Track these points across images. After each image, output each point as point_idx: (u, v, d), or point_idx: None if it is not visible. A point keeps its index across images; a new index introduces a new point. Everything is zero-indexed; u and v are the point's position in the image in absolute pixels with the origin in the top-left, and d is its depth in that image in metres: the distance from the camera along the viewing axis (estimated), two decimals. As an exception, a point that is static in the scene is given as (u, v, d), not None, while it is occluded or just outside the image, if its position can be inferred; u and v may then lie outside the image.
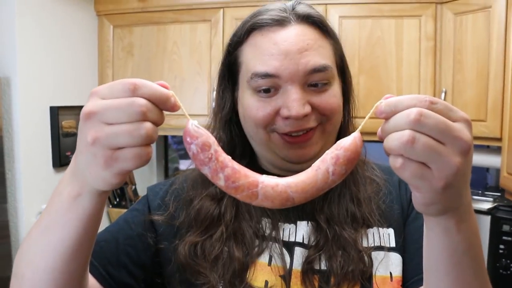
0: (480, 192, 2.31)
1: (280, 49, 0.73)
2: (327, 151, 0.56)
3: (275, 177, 0.57)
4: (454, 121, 0.48)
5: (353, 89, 0.85)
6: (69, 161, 2.17)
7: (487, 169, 2.61)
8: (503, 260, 1.95)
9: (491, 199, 2.20)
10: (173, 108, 0.53)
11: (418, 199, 0.51)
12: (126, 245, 0.80)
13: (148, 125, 0.50)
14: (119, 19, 2.61)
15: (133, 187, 2.85)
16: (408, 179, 0.49)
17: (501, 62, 1.93)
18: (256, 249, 0.77)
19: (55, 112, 2.29)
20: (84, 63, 2.56)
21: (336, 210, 0.79)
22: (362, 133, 0.64)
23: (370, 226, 0.79)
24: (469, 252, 0.56)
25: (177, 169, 3.30)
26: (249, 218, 0.79)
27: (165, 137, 3.16)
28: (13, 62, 2.07)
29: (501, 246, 1.96)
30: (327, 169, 0.54)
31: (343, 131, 0.82)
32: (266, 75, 0.73)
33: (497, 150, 2.04)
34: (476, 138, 2.06)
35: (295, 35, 0.74)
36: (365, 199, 0.81)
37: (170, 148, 3.27)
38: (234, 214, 0.79)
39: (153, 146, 3.04)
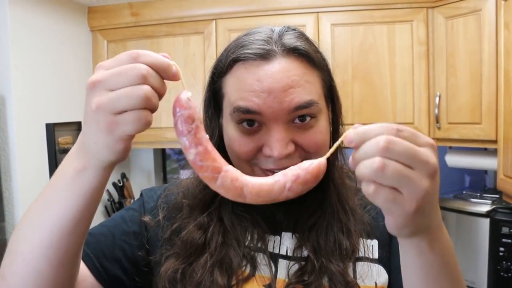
0: (478, 194, 2.31)
1: (264, 86, 0.69)
2: (292, 166, 0.59)
3: (239, 172, 0.60)
4: (420, 146, 0.51)
5: (343, 116, 0.83)
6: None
7: (485, 171, 2.61)
8: (504, 262, 1.94)
9: (490, 201, 2.19)
10: (174, 77, 0.56)
11: (391, 223, 0.53)
12: (122, 241, 0.81)
13: (146, 87, 0.52)
14: (112, 34, 2.63)
15: (132, 201, 2.85)
16: (381, 204, 0.51)
17: (493, 64, 1.94)
18: (244, 272, 0.77)
19: (51, 129, 2.29)
20: (79, 79, 2.57)
21: (323, 242, 0.78)
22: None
23: (356, 253, 0.80)
24: (445, 268, 0.58)
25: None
26: (236, 245, 0.78)
27: (163, 150, 3.16)
28: (8, 80, 2.08)
29: (501, 249, 1.96)
30: (284, 184, 0.58)
31: (332, 159, 0.81)
32: (248, 111, 0.71)
33: (494, 152, 2.04)
34: (471, 141, 2.07)
35: (279, 71, 0.70)
36: (355, 229, 0.80)
37: (170, 159, 3.27)
38: (220, 241, 0.78)
39: (151, 158, 3.05)
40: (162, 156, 3.18)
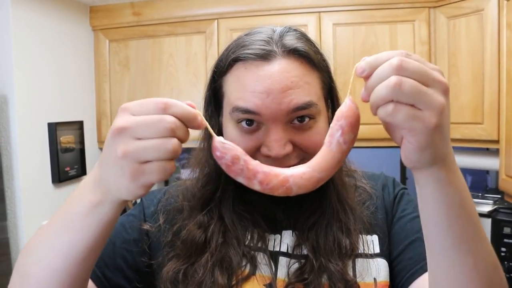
0: (480, 194, 2.30)
1: (263, 87, 0.69)
2: (331, 125, 0.60)
3: (299, 165, 0.62)
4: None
5: None
6: (68, 177, 2.18)
7: (487, 172, 2.61)
8: (506, 263, 1.94)
9: (491, 201, 2.19)
10: (199, 126, 0.57)
11: (413, 144, 0.52)
12: (123, 249, 0.81)
13: (175, 140, 0.53)
14: (114, 33, 2.63)
15: (133, 200, 2.85)
16: (402, 122, 0.50)
17: (496, 64, 1.93)
18: (244, 271, 0.77)
19: (53, 128, 2.30)
20: (81, 78, 2.58)
21: (323, 241, 0.78)
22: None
23: (357, 254, 0.80)
24: (465, 205, 0.58)
25: (178, 179, 3.28)
26: (236, 244, 0.78)
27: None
28: (10, 80, 2.09)
29: (503, 249, 1.95)
30: (338, 141, 0.59)
31: None
32: (247, 111, 0.71)
33: (496, 153, 2.04)
34: (473, 141, 2.06)
35: (278, 72, 0.70)
36: (354, 229, 0.80)
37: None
38: (221, 241, 0.78)
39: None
40: (163, 155, 3.17)
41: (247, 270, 0.77)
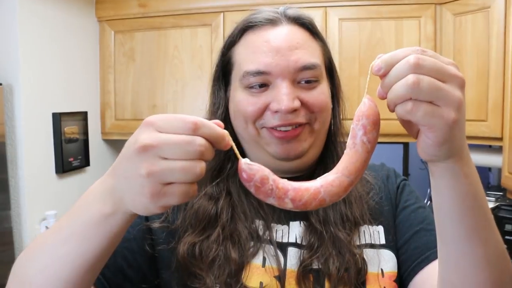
0: (482, 191, 2.31)
1: (272, 46, 0.76)
2: (352, 126, 0.59)
3: (324, 175, 0.60)
4: (444, 63, 0.52)
5: (342, 91, 0.87)
6: (72, 167, 2.17)
7: (489, 169, 2.61)
8: (507, 260, 1.95)
9: (493, 198, 2.20)
10: (226, 147, 0.54)
11: (432, 140, 0.52)
12: (123, 248, 0.79)
13: (203, 164, 0.51)
14: (120, 24, 2.63)
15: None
16: (421, 119, 0.51)
17: (501, 61, 1.93)
18: (251, 250, 0.78)
19: (58, 119, 2.31)
20: (86, 69, 2.58)
21: (331, 212, 0.80)
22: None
23: (360, 225, 0.81)
24: (477, 196, 0.58)
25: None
26: (244, 219, 0.80)
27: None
28: (16, 69, 2.09)
29: (505, 246, 1.96)
30: (362, 141, 0.58)
31: (334, 132, 0.85)
32: (258, 73, 0.76)
33: (499, 150, 2.04)
34: (477, 138, 2.07)
35: (285, 33, 0.78)
36: (356, 200, 0.82)
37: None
38: (230, 215, 0.80)
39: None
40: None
41: (252, 249, 0.78)
